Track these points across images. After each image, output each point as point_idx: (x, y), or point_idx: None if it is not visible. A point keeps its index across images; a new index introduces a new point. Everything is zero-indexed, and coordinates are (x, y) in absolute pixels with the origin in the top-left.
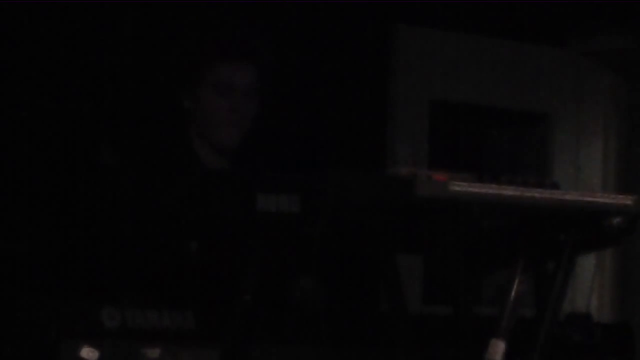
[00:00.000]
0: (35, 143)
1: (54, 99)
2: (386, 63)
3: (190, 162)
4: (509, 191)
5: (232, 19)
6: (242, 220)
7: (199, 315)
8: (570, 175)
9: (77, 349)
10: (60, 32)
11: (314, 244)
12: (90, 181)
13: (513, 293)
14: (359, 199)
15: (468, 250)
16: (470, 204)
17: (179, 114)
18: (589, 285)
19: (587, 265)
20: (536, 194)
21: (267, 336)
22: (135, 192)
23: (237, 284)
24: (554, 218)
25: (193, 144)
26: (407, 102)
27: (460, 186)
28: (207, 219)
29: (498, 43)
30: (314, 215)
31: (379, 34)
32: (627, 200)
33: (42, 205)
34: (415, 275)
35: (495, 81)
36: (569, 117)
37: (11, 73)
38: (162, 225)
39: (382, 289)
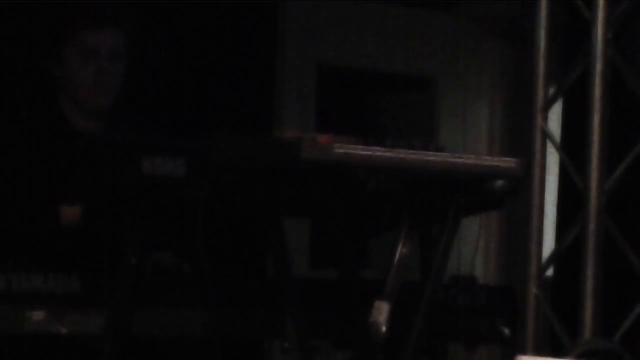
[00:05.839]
0: None
1: None
2: (274, 27)
3: (63, 130)
4: (393, 154)
5: None
6: (128, 184)
7: (84, 278)
8: (457, 138)
9: None
10: None
11: (199, 207)
12: None
13: (397, 255)
14: (244, 162)
15: (354, 213)
16: (355, 166)
17: (48, 82)
18: (474, 248)
19: (473, 228)
20: (421, 157)
21: (152, 300)
22: (20, 158)
23: (122, 248)
24: (438, 181)
25: (64, 111)
26: (295, 65)
27: (345, 149)
28: (92, 183)
29: (386, 8)
30: (199, 179)
31: None
32: (510, 163)
33: None
34: (303, 238)
35: (382, 45)
36: (456, 81)
37: None
38: (48, 189)
39: (269, 252)
